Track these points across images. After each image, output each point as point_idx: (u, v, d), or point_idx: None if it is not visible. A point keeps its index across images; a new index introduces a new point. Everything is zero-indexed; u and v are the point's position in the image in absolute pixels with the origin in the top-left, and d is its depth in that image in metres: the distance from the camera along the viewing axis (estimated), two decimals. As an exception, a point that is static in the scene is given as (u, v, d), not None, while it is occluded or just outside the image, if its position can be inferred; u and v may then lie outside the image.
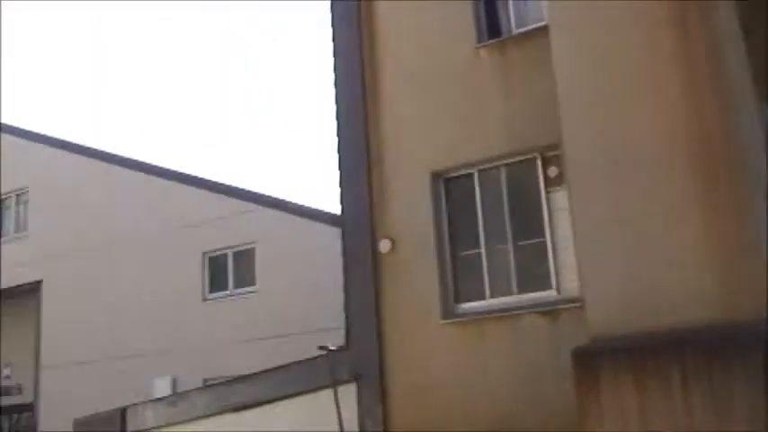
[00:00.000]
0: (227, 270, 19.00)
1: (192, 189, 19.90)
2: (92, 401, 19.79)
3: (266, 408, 9.48)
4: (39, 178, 22.93)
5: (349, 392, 9.27)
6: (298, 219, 18.27)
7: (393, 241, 9.13)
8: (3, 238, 23.69)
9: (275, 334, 17.39)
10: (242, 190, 19.49)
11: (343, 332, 16.21)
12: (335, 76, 9.84)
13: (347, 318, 9.49)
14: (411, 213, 9.22)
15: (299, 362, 9.76)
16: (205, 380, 18.22)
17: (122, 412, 9.62)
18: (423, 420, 8.75)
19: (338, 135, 9.74)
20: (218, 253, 19.15)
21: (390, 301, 9.14)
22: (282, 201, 18.93)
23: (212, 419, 9.78)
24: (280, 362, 17.11)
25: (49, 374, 21.26)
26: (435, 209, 9.12)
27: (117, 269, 20.46)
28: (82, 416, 11.53)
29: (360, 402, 9.08)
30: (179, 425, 10.00)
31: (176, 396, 11.57)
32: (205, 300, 19.08)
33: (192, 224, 19.38)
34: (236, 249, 18.90)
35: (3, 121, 25.15)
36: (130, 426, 9.97)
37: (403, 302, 9.12)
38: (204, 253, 19.25)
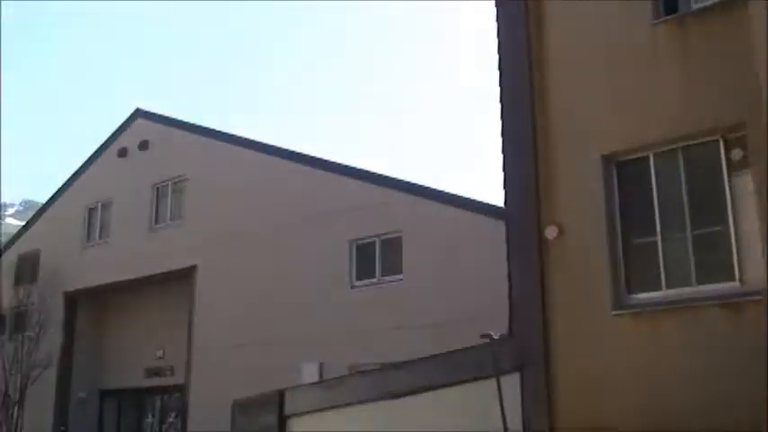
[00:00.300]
0: (374, 258, 19.03)
1: (341, 178, 20.08)
2: (241, 384, 20.37)
3: (424, 396, 9.27)
4: (195, 167, 23.76)
5: (512, 383, 8.95)
6: (444, 207, 18.09)
7: (560, 227, 8.75)
8: (159, 225, 24.71)
9: (422, 322, 17.30)
10: (389, 178, 19.49)
11: (490, 322, 16.05)
12: (500, 57, 9.54)
13: (511, 305, 9.17)
14: (580, 199, 8.82)
15: (460, 350, 9.52)
16: (351, 366, 18.40)
17: (280, 394, 9.63)
18: (590, 414, 8.36)
19: (502, 119, 9.43)
20: (366, 241, 19.21)
21: (556, 289, 8.77)
22: (429, 189, 18.80)
23: (369, 405, 9.64)
24: (427, 350, 17.05)
25: (201, 356, 21.94)
26: (607, 194, 8.68)
27: (267, 256, 20.90)
28: (241, 397, 11.70)
29: (524, 393, 8.76)
30: (336, 409, 9.91)
31: (334, 380, 11.56)
32: (352, 287, 19.18)
33: (341, 212, 19.56)
34: (383, 237, 18.90)
35: (159, 113, 26.30)
36: (288, 408, 9.98)
37: (570, 291, 8.73)
38: (352, 241, 19.36)
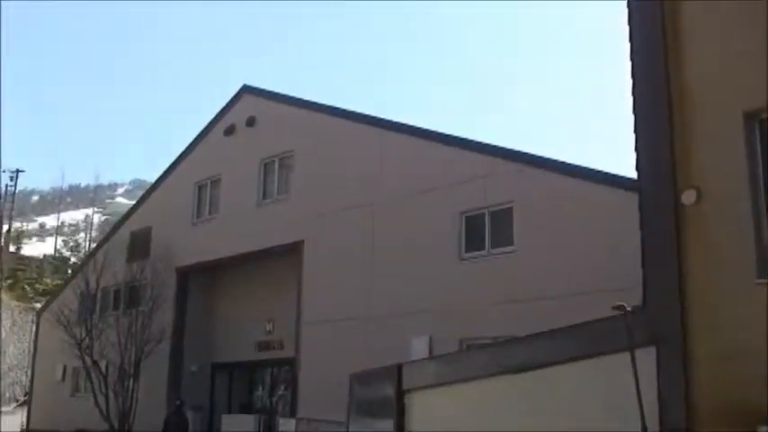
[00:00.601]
0: (484, 229, 18.62)
1: (449, 149, 19.70)
2: (349, 358, 20.36)
3: (549, 370, 8.82)
4: (302, 142, 23.80)
5: (645, 357, 8.44)
6: (557, 176, 17.49)
7: (698, 192, 8.15)
8: (267, 200, 24.89)
9: (534, 295, 16.84)
10: (498, 148, 18.99)
11: (607, 295, 15.44)
12: (629, 10, 8.95)
13: (645, 275, 8.64)
14: (720, 160, 8.20)
15: (588, 323, 9.05)
16: (462, 340, 18.12)
17: (399, 369, 9.35)
18: (730, 389, 7.80)
19: (633, 78, 8.84)
20: (475, 212, 18.80)
21: (694, 257, 8.20)
22: (540, 158, 18.21)
23: (491, 380, 9.24)
24: (538, 324, 16.59)
25: (310, 330, 22.03)
26: (750, 154, 8.02)
27: (375, 229, 20.77)
28: (359, 370, 11.52)
29: (659, 368, 8.25)
30: (456, 384, 9.55)
31: (453, 355, 11.28)
32: (461, 259, 18.83)
33: (449, 184, 19.22)
34: (493, 209, 18.45)
35: (266, 89, 26.44)
36: (406, 382, 9.70)
37: (708, 259, 8.15)
38: (461, 212, 18.99)
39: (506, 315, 17.27)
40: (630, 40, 8.79)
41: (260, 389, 26.88)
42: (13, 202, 66.99)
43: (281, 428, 19.74)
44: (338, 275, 21.42)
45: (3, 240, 63.74)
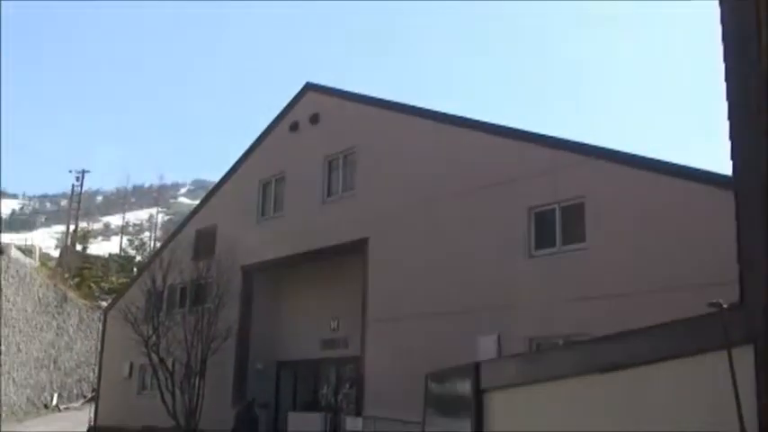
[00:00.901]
0: (554, 225, 18.17)
1: (518, 143, 19.31)
2: (415, 356, 20.08)
3: (640, 370, 8.28)
4: (366, 139, 23.64)
5: (743, 356, 7.91)
6: (630, 170, 16.94)
7: (799, 181, 7.68)
8: (331, 198, 24.78)
9: (607, 293, 16.34)
10: (569, 142, 18.52)
11: (689, 293, 14.92)
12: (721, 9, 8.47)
13: (742, 271, 8.16)
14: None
15: (681, 320, 8.54)
16: (531, 339, 17.72)
17: (476, 367, 8.98)
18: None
19: (727, 82, 8.35)
20: (545, 208, 18.37)
21: (795, 252, 7.72)
22: (612, 151, 17.68)
23: (576, 380, 8.76)
24: (611, 322, 16.13)
25: (375, 328, 21.82)
26: None
27: (441, 226, 20.47)
28: (434, 369, 11.22)
29: (757, 367, 7.77)
30: (538, 384, 9.13)
31: (535, 353, 10.90)
32: (531, 256, 18.41)
33: (518, 179, 18.83)
34: (563, 204, 18.00)
35: (324, 84, 26.36)
36: (484, 381, 9.31)
37: (811, 253, 7.66)
38: (530, 208, 18.57)
39: (578, 313, 16.80)
40: (724, 39, 8.29)
41: (325, 387, 26.77)
42: (79, 202, 68.37)
43: (347, 427, 19.58)
44: (404, 273, 21.17)
45: (69, 240, 65.05)
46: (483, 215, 19.45)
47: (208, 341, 26.19)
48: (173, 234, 32.10)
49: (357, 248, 23.03)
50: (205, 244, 29.15)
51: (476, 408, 8.89)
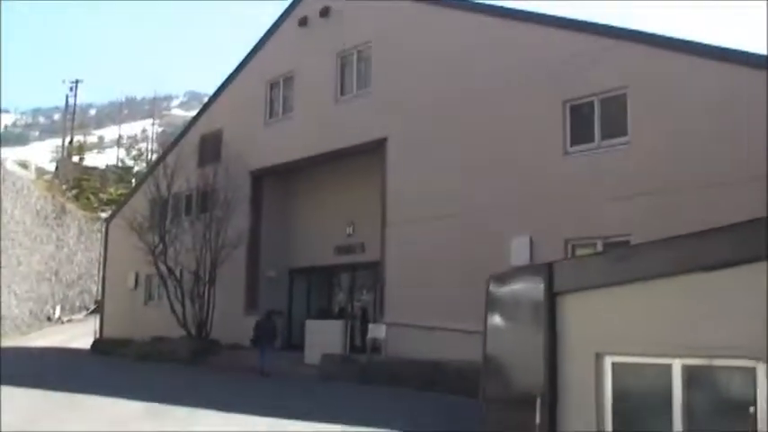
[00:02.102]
0: (592, 120, 16.89)
1: (552, 30, 17.83)
2: (438, 260, 19.14)
3: (743, 269, 7.03)
4: (382, 32, 22.09)
5: None
6: (677, 56, 15.54)
7: None
8: (345, 97, 23.40)
9: (651, 190, 15.23)
10: (609, 27, 17.07)
11: (736, 187, 13.81)
12: None
13: None
14: None
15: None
16: (567, 240, 16.73)
17: (549, 267, 7.79)
18: None
19: None
20: (583, 101, 17.06)
21: None
22: (657, 36, 16.22)
23: (674, 279, 7.48)
24: (657, 221, 15.12)
25: (395, 232, 20.77)
26: None
27: (468, 123, 19.19)
28: (499, 271, 10.05)
29: None
30: (629, 284, 7.86)
31: (619, 251, 9.74)
32: (566, 153, 17.19)
33: (551, 70, 17.45)
34: (603, 96, 16.68)
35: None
36: (558, 283, 8.09)
37: None
38: (565, 101, 17.27)
39: (619, 212, 15.77)
40: None
41: (339, 294, 25.94)
42: (74, 112, 66.62)
43: (370, 335, 18.73)
44: (426, 173, 20.00)
45: (65, 151, 63.59)
46: (513, 111, 18.17)
47: (217, 249, 25.20)
48: (176, 140, 30.72)
49: (374, 149, 21.79)
50: (210, 149, 27.86)
51: (548, 313, 7.83)
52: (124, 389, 16.42)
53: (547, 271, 8.07)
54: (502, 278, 9.28)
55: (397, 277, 20.43)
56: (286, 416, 12.42)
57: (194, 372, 21.71)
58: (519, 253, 17.49)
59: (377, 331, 18.55)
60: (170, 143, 30.83)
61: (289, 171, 26.16)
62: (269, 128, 26.15)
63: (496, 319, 8.67)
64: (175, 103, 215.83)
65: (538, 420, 7.48)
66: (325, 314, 24.44)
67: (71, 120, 68.62)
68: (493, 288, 8.75)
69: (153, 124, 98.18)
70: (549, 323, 7.86)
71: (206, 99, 32.55)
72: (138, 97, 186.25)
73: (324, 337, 20.05)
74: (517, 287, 8.59)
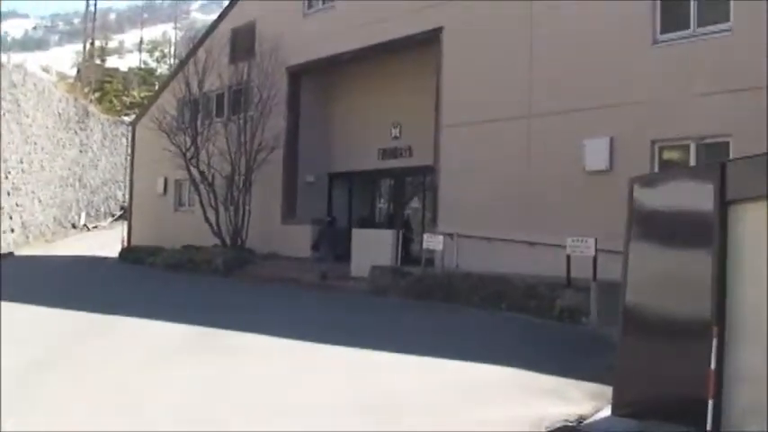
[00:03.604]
0: (688, 3, 14.67)
1: None
2: (499, 165, 17.30)
3: None
4: None
5: None
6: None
7: None
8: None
9: (755, 83, 13.16)
10: None
11: None
12: None
13: None
14: None
15: None
16: (654, 141, 14.81)
17: (721, 169, 5.87)
18: None
19: None
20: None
21: None
22: None
23: None
24: (760, 119, 13.19)
25: (450, 134, 18.87)
26: None
27: (536, 10, 16.98)
28: (644, 173, 8.21)
29: None
30: None
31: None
32: (655, 42, 15.02)
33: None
34: (701, -26, 14.47)
35: None
36: (732, 189, 6.13)
37: None
38: (656, -19, 15.03)
39: (716, 108, 13.80)
40: None
41: (382, 201, 24.23)
42: (95, 13, 64.12)
43: (427, 245, 17.01)
44: (488, 69, 17.93)
45: (87, 53, 61.45)
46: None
47: (253, 153, 23.42)
48: (205, 34, 28.49)
49: (427, 42, 19.68)
50: (243, 44, 25.73)
51: (720, 227, 6.00)
52: (165, 305, 15.00)
53: (718, 174, 6.18)
54: (651, 182, 7.40)
55: (453, 185, 18.64)
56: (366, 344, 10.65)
57: (234, 284, 20.17)
58: (596, 157, 15.63)
59: (433, 242, 16.83)
60: (199, 38, 28.63)
61: (329, 67, 24.09)
62: (307, 19, 23.95)
63: (643, 233, 6.89)
64: (195, 6, 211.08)
65: (714, 353, 5.78)
66: (367, 223, 22.81)
67: (92, 21, 66.17)
68: (639, 194, 6.92)
69: (175, 28, 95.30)
70: (720, 240, 6.05)
71: (226, 2, 30.10)
72: (158, 1, 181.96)
73: (372, 248, 18.37)
74: (674, 194, 6.75)
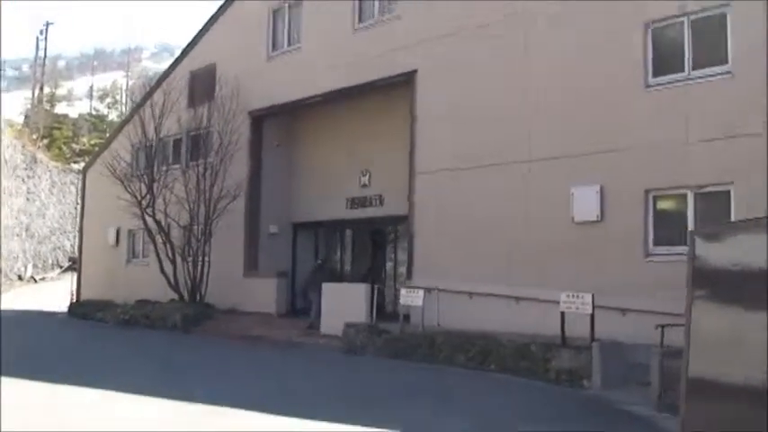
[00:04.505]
0: (682, 45, 13.93)
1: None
2: (484, 216, 16.31)
3: None
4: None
5: None
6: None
7: None
8: (365, 23, 20.21)
9: (756, 131, 12.43)
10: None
11: None
12: None
13: None
14: None
15: None
16: (648, 191, 13.95)
17: None
18: None
19: None
20: (668, 22, 14.13)
21: None
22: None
23: None
24: (763, 166, 12.42)
25: (427, 182, 17.85)
26: None
27: (520, 51, 16.15)
28: (706, 226, 7.17)
29: None
30: None
31: None
32: (647, 87, 14.24)
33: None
34: (695, 16, 13.75)
35: None
36: None
37: None
38: (647, 23, 14.29)
39: (715, 155, 13.01)
40: None
41: (350, 253, 23.01)
42: (45, 56, 62.38)
43: (403, 301, 15.84)
44: (467, 112, 17.02)
45: (36, 99, 59.61)
46: (579, 35, 15.21)
47: (213, 201, 22.08)
48: (162, 77, 27.23)
49: (399, 85, 18.78)
50: (202, 87, 24.50)
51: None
52: (127, 364, 13.51)
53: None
54: (717, 235, 6.35)
55: (429, 235, 17.61)
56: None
57: (196, 341, 18.70)
58: (585, 206, 14.72)
59: (411, 297, 15.66)
60: (156, 81, 27.37)
61: (294, 111, 23.04)
62: (271, 62, 22.86)
63: (706, 290, 5.84)
64: (146, 54, 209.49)
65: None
66: (334, 275, 21.56)
67: (41, 66, 64.42)
68: (702, 250, 5.90)
69: (126, 75, 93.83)
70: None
71: (178, 52, 28.99)
72: (108, 49, 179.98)
73: (344, 303, 17.13)
74: (744, 248, 5.73)
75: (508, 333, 14.29)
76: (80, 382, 10.98)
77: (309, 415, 8.77)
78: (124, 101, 76.37)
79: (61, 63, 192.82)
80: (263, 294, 21.66)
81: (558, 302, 13.07)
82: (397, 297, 18.81)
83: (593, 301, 12.39)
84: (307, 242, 23.75)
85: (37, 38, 60.13)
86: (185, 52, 26.50)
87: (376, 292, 17.27)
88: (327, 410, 9.13)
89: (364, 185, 21.40)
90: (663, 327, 10.87)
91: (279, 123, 23.59)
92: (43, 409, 9.09)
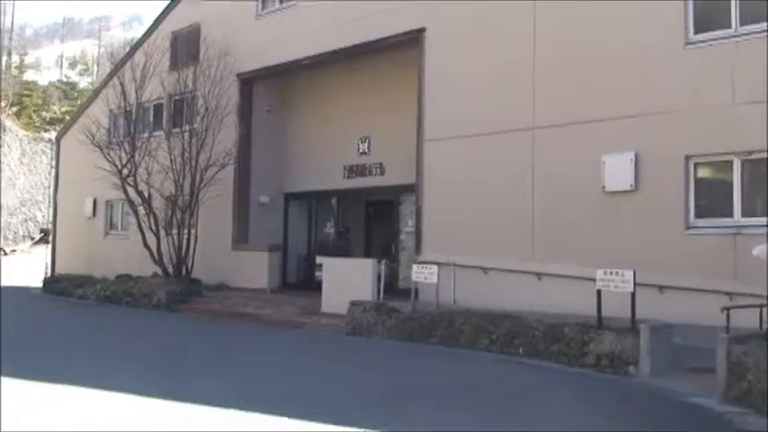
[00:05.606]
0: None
1: None
2: (502, 185, 15.12)
3: None
4: None
5: None
6: None
7: None
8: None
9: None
10: None
11: None
12: None
13: None
14: None
15: None
16: (689, 157, 12.80)
17: None
18: None
19: None
20: (712, -29, 12.86)
21: None
22: None
23: None
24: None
25: (435, 148, 16.53)
26: None
27: (540, 5, 14.81)
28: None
29: None
30: None
31: None
32: (688, 44, 13.00)
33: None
34: (744, -35, 12.51)
35: None
36: None
37: None
38: (687, -27, 13.01)
39: (753, 120, 11.81)
40: None
41: (349, 224, 21.63)
42: (12, 23, 60.02)
43: (416, 277, 14.54)
44: (481, 74, 15.72)
45: (4, 64, 57.34)
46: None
47: (200, 170, 20.60)
48: (141, 38, 25.52)
49: (404, 45, 17.39)
50: (186, 48, 22.92)
51: None
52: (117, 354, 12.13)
53: None
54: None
55: (439, 207, 16.31)
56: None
57: (187, 322, 17.29)
58: (618, 175, 13.49)
59: (425, 273, 14.36)
60: (135, 42, 25.72)
61: (287, 74, 21.57)
62: (261, 20, 21.33)
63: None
64: (115, 22, 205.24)
65: None
66: (327, 248, 20.20)
67: (10, 31, 62.11)
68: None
69: (98, 43, 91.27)
70: None
71: (148, 23, 27.29)
72: (76, 18, 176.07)
73: (347, 280, 15.83)
74: None
75: (530, 312, 13.12)
76: (75, 381, 9.54)
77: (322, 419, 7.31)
78: (96, 69, 74.20)
79: (29, 31, 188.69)
80: (254, 269, 20.30)
81: (586, 279, 11.95)
82: (397, 272, 17.66)
83: (634, 279, 11.18)
84: (299, 213, 22.38)
85: (3, 4, 57.87)
86: (166, 11, 24.78)
87: (383, 267, 15.90)
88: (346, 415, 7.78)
89: (363, 153, 20.04)
90: (728, 309, 9.74)
91: (270, 87, 22.11)
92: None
